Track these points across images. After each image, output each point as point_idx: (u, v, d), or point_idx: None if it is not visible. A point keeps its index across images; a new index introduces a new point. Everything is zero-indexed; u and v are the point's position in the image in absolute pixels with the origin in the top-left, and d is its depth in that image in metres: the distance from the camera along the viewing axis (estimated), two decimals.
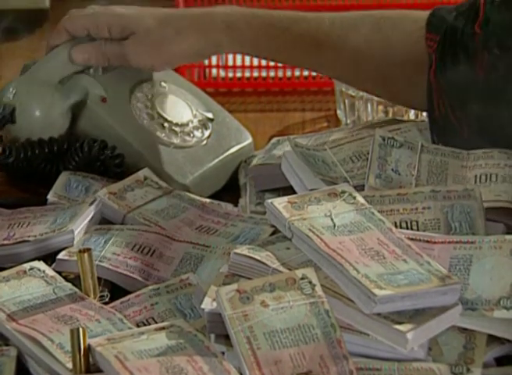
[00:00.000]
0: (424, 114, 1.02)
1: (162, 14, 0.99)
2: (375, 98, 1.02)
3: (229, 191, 0.94)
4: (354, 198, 0.75)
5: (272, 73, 1.20)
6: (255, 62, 1.20)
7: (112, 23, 0.97)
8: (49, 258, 0.79)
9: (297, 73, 1.20)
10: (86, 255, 0.72)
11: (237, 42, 0.95)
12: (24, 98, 0.93)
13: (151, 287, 0.72)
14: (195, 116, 0.97)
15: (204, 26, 0.96)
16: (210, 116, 0.98)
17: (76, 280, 0.75)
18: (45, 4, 1.43)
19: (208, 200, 0.88)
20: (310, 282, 0.68)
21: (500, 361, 0.71)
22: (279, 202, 0.74)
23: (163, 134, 0.92)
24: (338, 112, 1.06)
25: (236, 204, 0.89)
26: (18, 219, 0.85)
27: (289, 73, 1.19)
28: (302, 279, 0.68)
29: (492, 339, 0.70)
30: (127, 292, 0.73)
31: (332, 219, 0.73)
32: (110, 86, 0.96)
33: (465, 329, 0.70)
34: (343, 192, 0.76)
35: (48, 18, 1.41)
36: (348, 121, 1.04)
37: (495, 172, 0.85)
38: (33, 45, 1.20)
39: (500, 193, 0.82)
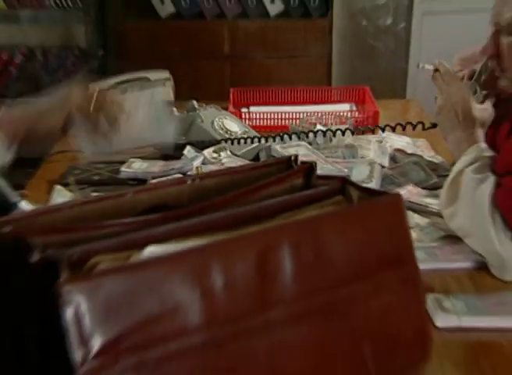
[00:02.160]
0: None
1: None
2: None
3: (255, 160, 1.70)
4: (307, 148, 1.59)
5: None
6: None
7: None
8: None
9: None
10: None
11: None
12: None
13: None
14: (240, 129, 1.79)
15: None
16: (246, 130, 1.80)
17: None
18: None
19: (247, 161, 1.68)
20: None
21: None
22: (277, 146, 1.60)
23: (226, 135, 1.74)
24: None
25: None
26: (169, 163, 1.65)
27: None
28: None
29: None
30: None
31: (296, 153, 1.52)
32: (205, 116, 1.78)
33: None
34: (299, 145, 1.59)
35: None
36: None
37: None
38: None
39: None
